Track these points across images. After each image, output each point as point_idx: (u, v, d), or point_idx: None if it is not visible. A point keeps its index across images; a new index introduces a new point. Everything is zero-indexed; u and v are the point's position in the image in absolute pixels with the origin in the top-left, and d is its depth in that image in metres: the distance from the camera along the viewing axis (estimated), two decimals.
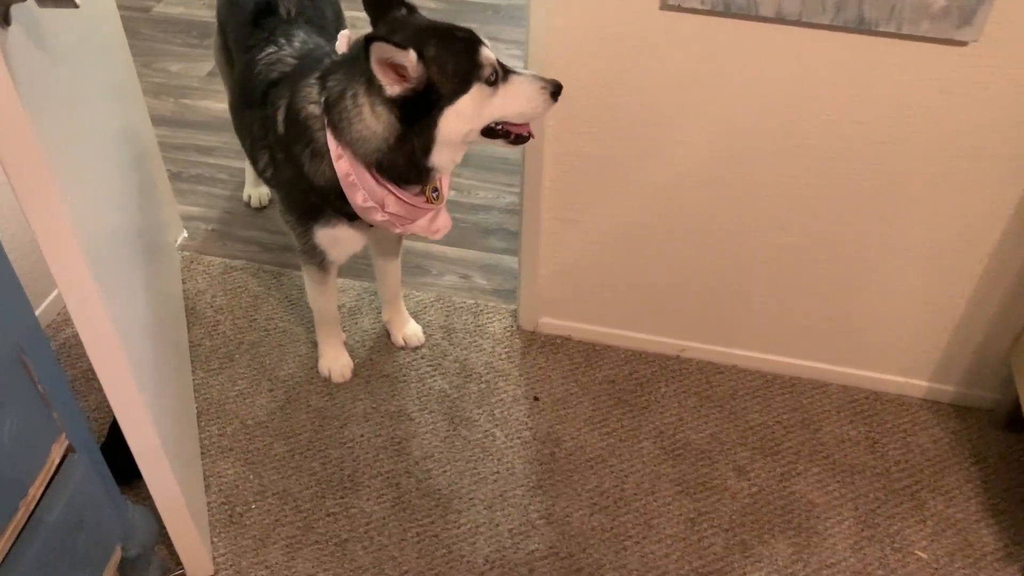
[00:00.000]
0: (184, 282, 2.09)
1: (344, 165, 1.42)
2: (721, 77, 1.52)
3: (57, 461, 1.19)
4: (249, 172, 2.33)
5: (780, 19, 1.42)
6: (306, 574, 1.55)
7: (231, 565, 1.57)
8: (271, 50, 1.62)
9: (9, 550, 1.10)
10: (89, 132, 1.46)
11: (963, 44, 1.39)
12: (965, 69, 1.41)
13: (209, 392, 1.85)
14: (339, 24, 1.83)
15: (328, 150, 1.43)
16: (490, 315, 2.04)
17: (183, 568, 1.53)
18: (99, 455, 1.31)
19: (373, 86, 1.34)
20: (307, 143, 1.46)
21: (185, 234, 2.23)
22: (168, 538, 1.50)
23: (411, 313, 2.00)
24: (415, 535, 1.61)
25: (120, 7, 1.90)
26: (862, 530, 1.65)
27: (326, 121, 1.41)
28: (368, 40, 1.28)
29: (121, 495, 1.39)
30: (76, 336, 1.84)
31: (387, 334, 1.98)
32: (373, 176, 1.43)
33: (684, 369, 1.94)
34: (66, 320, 1.92)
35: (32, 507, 1.14)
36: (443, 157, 1.43)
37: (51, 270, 1.10)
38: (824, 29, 1.42)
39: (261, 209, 2.32)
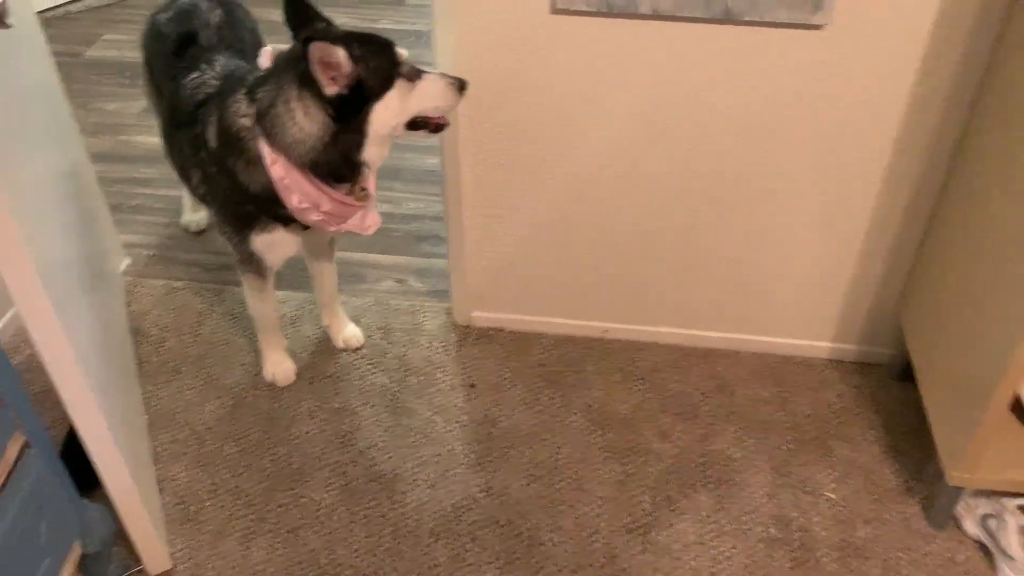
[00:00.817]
0: (129, 304, 2.17)
1: (279, 169, 1.54)
2: (613, 73, 1.67)
3: (15, 456, 1.27)
4: (186, 199, 2.43)
5: (657, 15, 1.58)
6: (261, 561, 1.64)
7: (189, 559, 1.65)
8: (195, 75, 1.74)
9: None
10: (34, 170, 1.56)
11: (819, 27, 1.56)
12: (823, 51, 1.59)
13: (159, 403, 1.93)
14: (257, 49, 1.95)
15: (262, 157, 1.54)
16: (426, 314, 2.16)
17: (142, 564, 1.61)
18: (54, 452, 1.39)
19: (305, 89, 1.47)
20: (240, 153, 1.58)
21: (128, 260, 2.32)
22: (126, 536, 1.58)
23: (350, 318, 2.11)
24: (363, 517, 1.72)
25: (54, 53, 2.01)
26: (776, 478, 1.79)
27: (259, 130, 1.53)
28: (307, 41, 1.41)
29: (77, 494, 1.47)
30: (28, 360, 1.92)
31: (328, 338, 2.09)
32: (307, 177, 1.55)
33: (609, 349, 2.07)
34: (18, 346, 1.99)
35: None
36: (373, 152, 1.56)
37: (12, 295, 1.20)
38: (698, 22, 1.58)
39: (199, 233, 2.42)
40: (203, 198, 1.81)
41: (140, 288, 2.23)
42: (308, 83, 1.46)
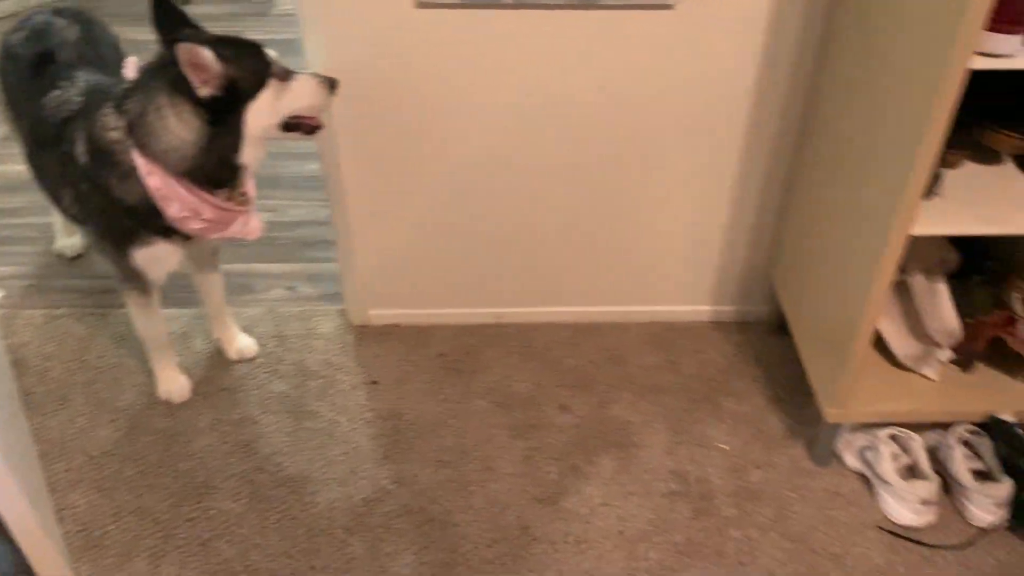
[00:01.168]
0: (7, 337, 2.09)
1: (156, 180, 1.52)
2: (481, 64, 1.73)
3: None
4: (58, 225, 2.35)
5: (519, 4, 1.64)
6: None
7: None
8: (56, 93, 1.70)
9: None
10: None
11: (669, 7, 1.66)
12: (675, 29, 1.69)
13: (49, 433, 1.87)
14: (120, 63, 1.91)
15: (136, 169, 1.52)
16: (320, 318, 2.17)
17: None
18: None
19: (177, 94, 1.46)
20: (113, 167, 1.55)
21: (2, 293, 2.23)
22: (28, 570, 1.53)
23: (242, 329, 2.09)
24: (275, 521, 1.71)
25: None
26: (673, 437, 1.88)
27: (131, 141, 1.51)
28: (173, 44, 1.41)
29: None
30: None
31: (221, 351, 2.06)
32: (185, 186, 1.54)
33: (504, 333, 2.13)
34: None
35: None
36: (250, 153, 1.57)
37: None
38: (557, 9, 1.65)
39: (75, 258, 2.35)
40: (76, 217, 1.76)
41: (18, 320, 2.14)
42: (180, 88, 1.45)
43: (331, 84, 1.64)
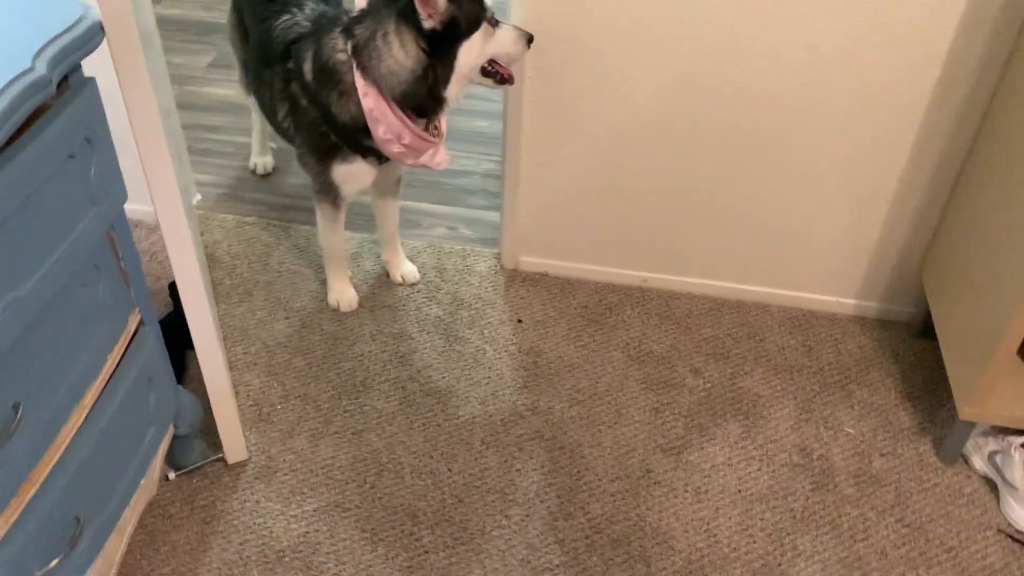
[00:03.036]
0: (203, 234, 2.34)
1: (370, 101, 1.71)
2: (659, 28, 1.82)
3: (133, 329, 1.44)
4: (255, 143, 2.59)
5: None
6: (329, 456, 1.81)
7: (262, 452, 1.81)
8: (286, 17, 1.91)
9: (100, 395, 1.35)
10: None
11: None
12: (860, 13, 1.73)
13: (232, 320, 2.10)
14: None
15: (355, 89, 1.71)
16: (476, 257, 2.32)
17: (222, 453, 1.78)
18: (160, 335, 1.55)
19: (403, 24, 1.65)
20: (335, 85, 1.74)
21: (199, 197, 2.49)
22: (204, 433, 1.75)
23: (407, 257, 2.27)
24: (421, 425, 1.88)
25: None
26: (800, 414, 1.94)
27: (354, 64, 1.70)
28: None
29: (174, 378, 1.63)
30: None
31: (387, 274, 2.25)
32: (393, 110, 1.72)
33: (647, 296, 2.23)
34: None
35: (117, 361, 1.39)
36: (454, 89, 1.74)
37: (154, 200, 1.36)
38: None
39: (266, 176, 2.59)
40: (286, 131, 1.97)
41: (212, 221, 2.40)
42: (406, 19, 1.63)
43: (529, 38, 1.79)
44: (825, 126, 1.90)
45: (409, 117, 1.75)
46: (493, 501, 1.74)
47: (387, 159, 1.87)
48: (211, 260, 2.27)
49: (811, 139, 1.93)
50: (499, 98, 2.20)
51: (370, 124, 1.73)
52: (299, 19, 1.89)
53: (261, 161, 2.59)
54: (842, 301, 2.19)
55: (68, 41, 1.09)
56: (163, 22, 3.34)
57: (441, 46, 1.67)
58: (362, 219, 2.35)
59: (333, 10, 1.90)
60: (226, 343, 2.05)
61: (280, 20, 1.91)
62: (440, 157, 1.88)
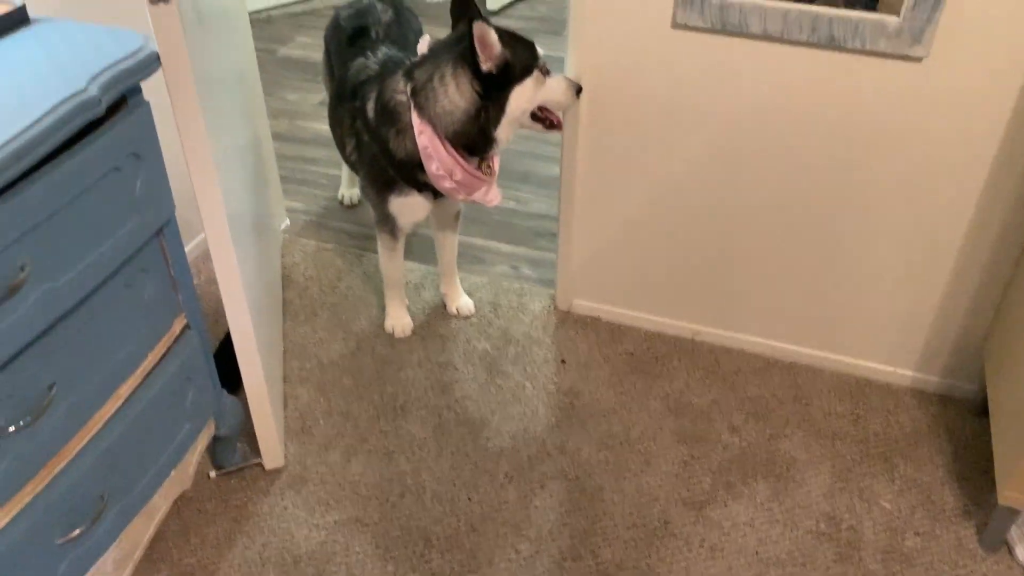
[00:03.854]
0: (284, 256, 2.51)
1: (424, 139, 1.82)
2: (720, 84, 1.85)
3: (177, 332, 1.58)
4: (344, 176, 2.77)
5: (766, 36, 1.75)
6: (358, 473, 1.89)
7: (298, 462, 1.92)
8: (360, 60, 2.06)
9: (137, 387, 1.48)
10: (232, 136, 1.89)
11: (918, 60, 1.69)
12: (920, 82, 1.71)
13: (295, 337, 2.24)
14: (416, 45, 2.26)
15: (412, 128, 1.83)
16: (532, 297, 2.38)
17: (260, 459, 1.89)
18: (206, 341, 1.69)
19: (460, 68, 1.77)
20: (393, 123, 1.87)
21: (288, 222, 2.67)
22: (250, 437, 1.87)
23: (465, 291, 2.36)
24: (450, 452, 1.94)
25: (256, 48, 2.39)
26: (835, 482, 1.88)
27: (412, 104, 1.82)
28: (471, 20, 1.72)
29: (219, 383, 1.76)
30: (202, 283, 2.27)
31: (443, 305, 2.34)
32: (446, 147, 1.83)
33: (696, 349, 2.22)
34: (198, 269, 2.35)
35: (157, 359, 1.53)
36: (504, 131, 1.85)
37: (204, 224, 1.49)
38: (803, 46, 1.74)
39: (351, 207, 2.75)
40: (353, 164, 2.11)
41: (295, 245, 2.57)
42: (464, 62, 1.76)
43: (578, 89, 1.87)
44: (882, 190, 1.87)
45: (461, 155, 1.85)
46: (506, 533, 1.77)
47: (441, 194, 1.97)
48: (286, 280, 2.43)
49: (868, 203, 1.89)
50: None
51: (424, 160, 1.84)
52: (370, 62, 2.03)
53: (348, 193, 2.76)
54: (899, 372, 2.11)
55: (123, 68, 1.24)
56: (286, 62, 3.63)
57: (494, 89, 1.78)
58: (428, 251, 2.46)
59: (401, 55, 2.04)
60: (285, 357, 2.18)
61: (355, 62, 2.06)
62: (492, 195, 1.96)
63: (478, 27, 1.72)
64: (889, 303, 2.02)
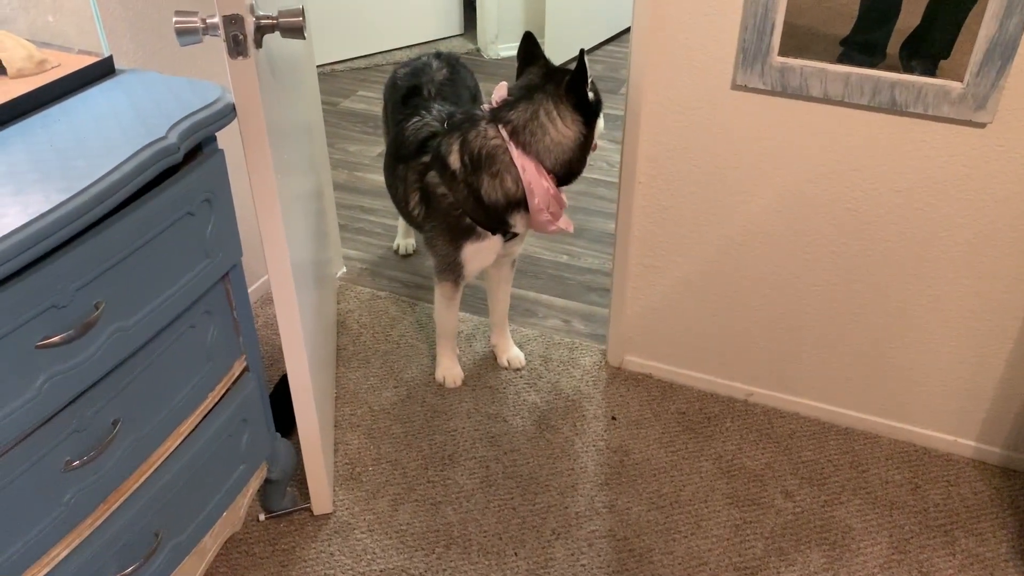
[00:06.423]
0: (339, 302, 2.55)
1: (528, 175, 1.88)
2: (780, 147, 1.86)
3: (236, 374, 1.61)
4: (401, 227, 2.82)
5: (827, 100, 1.76)
6: (405, 522, 1.89)
7: (346, 509, 1.92)
8: (416, 119, 2.10)
9: (196, 427, 1.51)
10: (297, 184, 1.95)
11: (982, 126, 1.68)
12: (983, 148, 1.70)
13: (347, 383, 2.26)
14: (475, 101, 2.30)
15: (514, 167, 1.89)
16: (583, 351, 2.38)
17: (309, 504, 1.90)
18: (264, 384, 1.72)
19: (563, 103, 1.87)
20: (488, 167, 1.91)
21: (344, 269, 2.72)
22: (299, 482, 1.88)
23: (516, 343, 2.37)
24: (496, 506, 1.92)
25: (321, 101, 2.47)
26: (893, 554, 1.82)
27: (511, 144, 1.88)
28: (581, 52, 1.82)
29: (274, 427, 1.79)
30: (263, 326, 2.32)
31: (494, 356, 2.35)
32: (546, 179, 1.90)
33: (750, 411, 2.19)
34: (258, 312, 2.40)
35: (216, 400, 1.56)
36: (585, 161, 1.96)
37: (269, 268, 1.53)
38: (864, 109, 1.74)
39: (406, 256, 2.79)
40: (414, 218, 2.14)
41: (350, 292, 2.61)
42: (567, 97, 1.85)
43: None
44: (943, 254, 1.84)
45: (556, 185, 1.93)
46: None
47: (512, 236, 2.00)
48: (341, 327, 2.46)
49: (928, 267, 1.87)
50: None
51: (528, 196, 1.89)
52: (428, 120, 2.08)
53: (404, 243, 2.80)
54: (960, 441, 2.05)
55: (201, 117, 1.30)
56: (348, 114, 3.73)
57: (588, 120, 1.89)
58: (479, 302, 2.48)
59: (459, 110, 2.08)
60: (337, 403, 2.20)
61: (411, 122, 2.10)
62: (567, 222, 1.99)
63: (584, 57, 1.81)
64: (951, 371, 1.97)
